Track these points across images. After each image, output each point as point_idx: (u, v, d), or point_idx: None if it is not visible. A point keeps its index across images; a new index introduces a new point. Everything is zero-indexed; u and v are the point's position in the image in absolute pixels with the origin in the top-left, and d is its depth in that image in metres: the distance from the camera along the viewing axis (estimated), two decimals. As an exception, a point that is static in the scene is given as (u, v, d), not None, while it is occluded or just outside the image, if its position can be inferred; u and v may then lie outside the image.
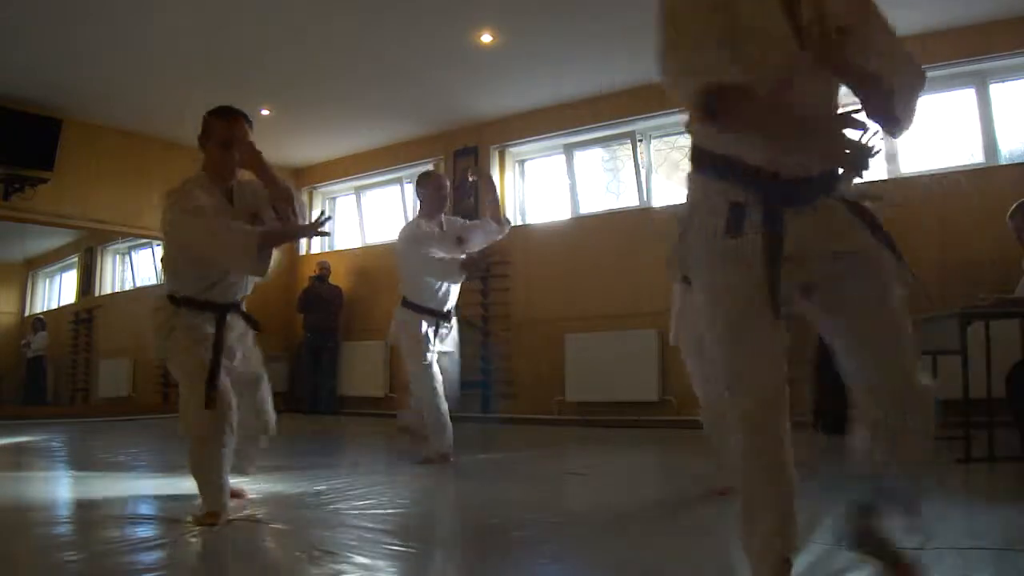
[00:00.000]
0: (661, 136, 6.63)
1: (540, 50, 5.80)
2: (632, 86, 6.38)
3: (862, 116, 1.28)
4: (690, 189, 1.50)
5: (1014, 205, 3.99)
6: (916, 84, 1.47)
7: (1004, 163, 5.29)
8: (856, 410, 1.53)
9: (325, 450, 5.03)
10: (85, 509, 2.86)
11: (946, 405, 4.59)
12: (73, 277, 8.91)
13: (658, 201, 6.58)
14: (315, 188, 9.07)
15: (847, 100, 1.45)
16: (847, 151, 1.25)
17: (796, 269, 1.39)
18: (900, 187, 5.25)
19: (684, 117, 1.50)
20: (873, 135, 1.27)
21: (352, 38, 5.59)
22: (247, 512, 2.62)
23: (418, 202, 4.22)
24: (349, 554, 2.05)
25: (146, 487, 3.18)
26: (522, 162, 7.62)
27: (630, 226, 6.38)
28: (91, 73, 6.05)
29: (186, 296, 2.58)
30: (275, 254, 2.52)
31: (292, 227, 2.61)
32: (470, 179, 4.33)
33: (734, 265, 1.38)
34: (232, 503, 2.54)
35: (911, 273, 1.50)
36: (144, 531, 2.39)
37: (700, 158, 1.46)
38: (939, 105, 5.49)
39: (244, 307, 2.75)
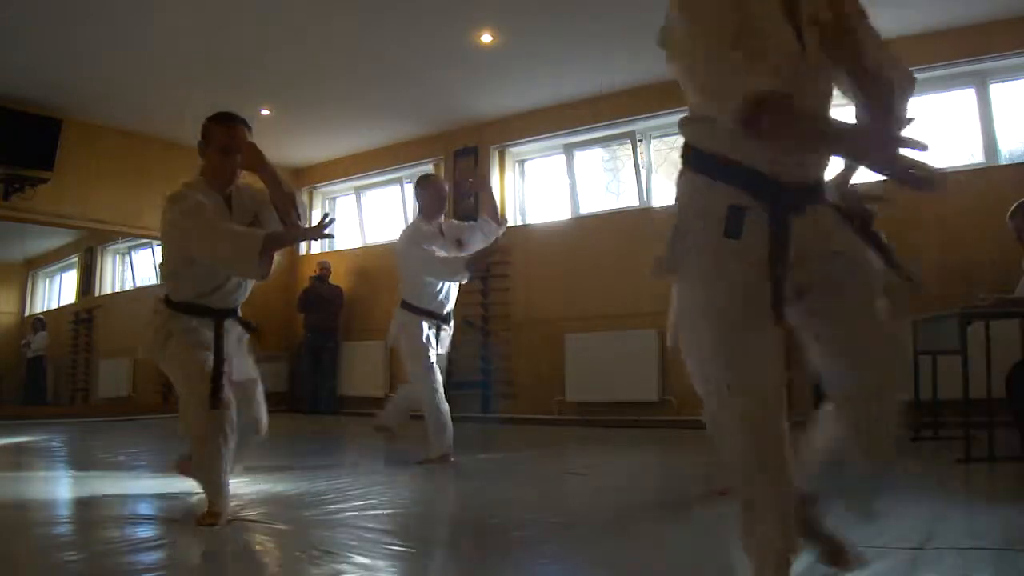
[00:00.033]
0: (661, 136, 6.63)
1: (540, 50, 5.80)
2: (632, 86, 6.39)
3: (913, 133, 1.22)
4: (682, 188, 1.48)
5: (1014, 205, 3.99)
6: (908, 85, 1.47)
7: (1004, 163, 5.29)
8: (829, 407, 1.54)
9: (325, 450, 5.03)
10: (85, 509, 2.86)
11: (946, 405, 4.61)
12: (73, 277, 8.91)
13: (658, 201, 6.58)
14: (315, 188, 9.07)
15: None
16: (911, 171, 1.20)
17: (796, 270, 1.40)
18: (900, 187, 5.24)
19: (682, 116, 1.50)
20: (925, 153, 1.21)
21: (352, 38, 5.59)
22: (247, 512, 2.62)
23: (417, 205, 4.24)
24: (349, 554, 2.05)
25: (146, 487, 3.18)
26: (522, 162, 7.62)
27: (630, 226, 6.38)
28: (91, 73, 6.05)
29: (184, 301, 2.58)
30: (275, 256, 2.52)
31: (295, 230, 2.60)
32: (469, 181, 4.36)
33: (734, 266, 1.38)
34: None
35: (908, 273, 1.51)
36: (144, 531, 2.39)
37: (696, 158, 1.46)
38: (939, 105, 5.49)
39: (240, 312, 2.75)
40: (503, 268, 7.03)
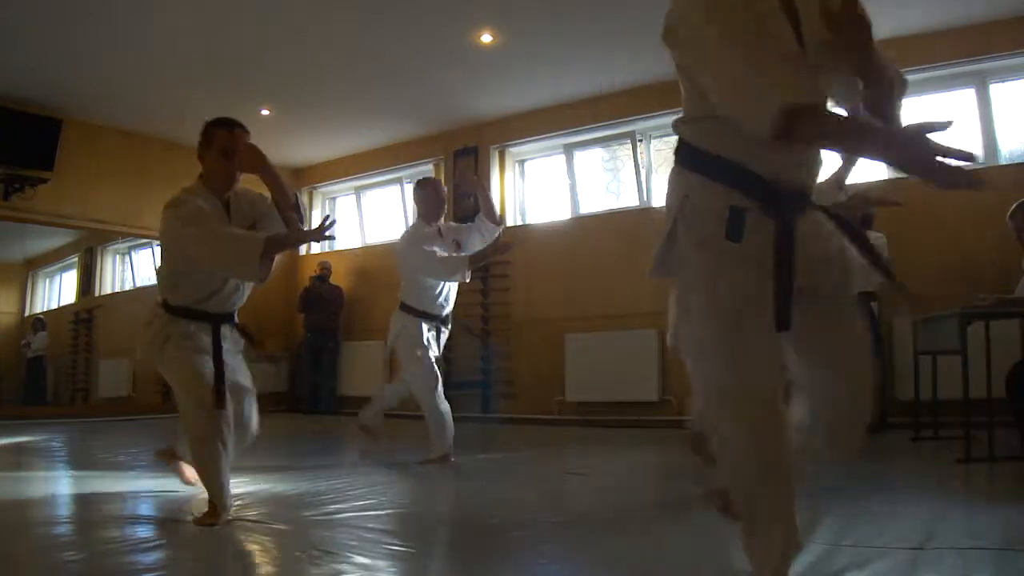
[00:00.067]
0: (661, 136, 6.64)
1: (540, 50, 5.80)
2: (632, 86, 6.39)
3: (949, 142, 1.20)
4: (678, 187, 1.47)
5: (1014, 205, 4.00)
6: (904, 87, 1.48)
7: (1004, 163, 5.29)
8: (800, 405, 1.56)
9: (325, 450, 5.03)
10: (85, 509, 2.86)
11: (946, 405, 4.61)
12: (73, 277, 8.91)
13: (658, 201, 6.57)
14: (315, 188, 9.07)
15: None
16: (954, 176, 1.19)
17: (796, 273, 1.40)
18: (900, 187, 5.24)
19: (678, 115, 1.50)
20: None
21: (352, 38, 5.59)
22: (247, 512, 2.62)
23: (416, 208, 4.25)
24: (349, 554, 2.05)
25: (146, 487, 3.18)
26: (522, 162, 7.62)
27: (630, 226, 6.38)
28: (91, 73, 6.05)
29: (182, 305, 2.58)
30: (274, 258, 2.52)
31: (296, 233, 2.60)
32: (474, 176, 4.37)
33: (734, 267, 1.38)
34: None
35: (895, 278, 1.53)
36: (144, 531, 2.39)
37: (693, 157, 1.45)
38: (939, 105, 5.49)
39: (237, 318, 2.76)
40: (503, 268, 7.03)
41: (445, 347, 4.40)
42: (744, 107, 1.28)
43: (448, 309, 4.14)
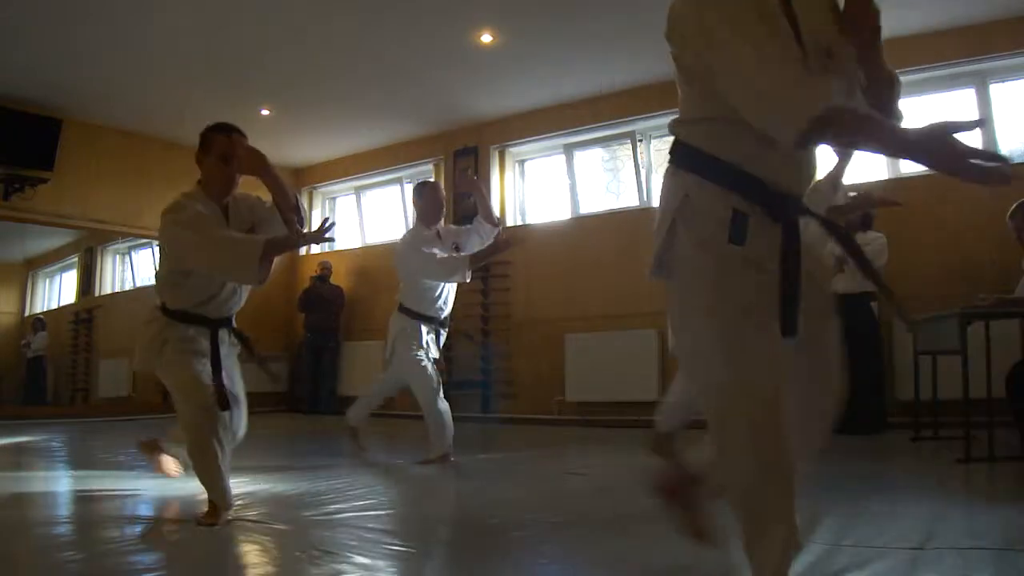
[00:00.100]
0: (661, 136, 6.63)
1: (540, 50, 5.80)
2: (632, 86, 6.39)
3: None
4: (675, 188, 1.46)
5: (1014, 205, 4.00)
6: (899, 87, 1.49)
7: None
8: None
9: (325, 450, 5.02)
10: (85, 509, 2.86)
11: (946, 405, 4.61)
12: (73, 277, 8.91)
13: (658, 201, 6.57)
14: (315, 188, 9.07)
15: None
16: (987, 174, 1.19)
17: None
18: (900, 187, 5.25)
19: (675, 116, 1.50)
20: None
21: (352, 38, 5.59)
22: (247, 512, 2.62)
23: (416, 211, 4.27)
24: (349, 554, 2.05)
25: (146, 487, 3.18)
26: (522, 162, 7.62)
27: (630, 226, 6.38)
28: (91, 73, 6.05)
29: (180, 309, 2.59)
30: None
31: (295, 236, 2.60)
32: (473, 177, 4.38)
33: (736, 269, 1.38)
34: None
35: (883, 285, 1.54)
36: (144, 531, 2.39)
37: (691, 158, 1.45)
38: (939, 105, 5.49)
39: (235, 322, 2.77)
40: (503, 268, 7.03)
41: (445, 347, 4.41)
42: (774, 113, 1.26)
43: (447, 312, 4.17)
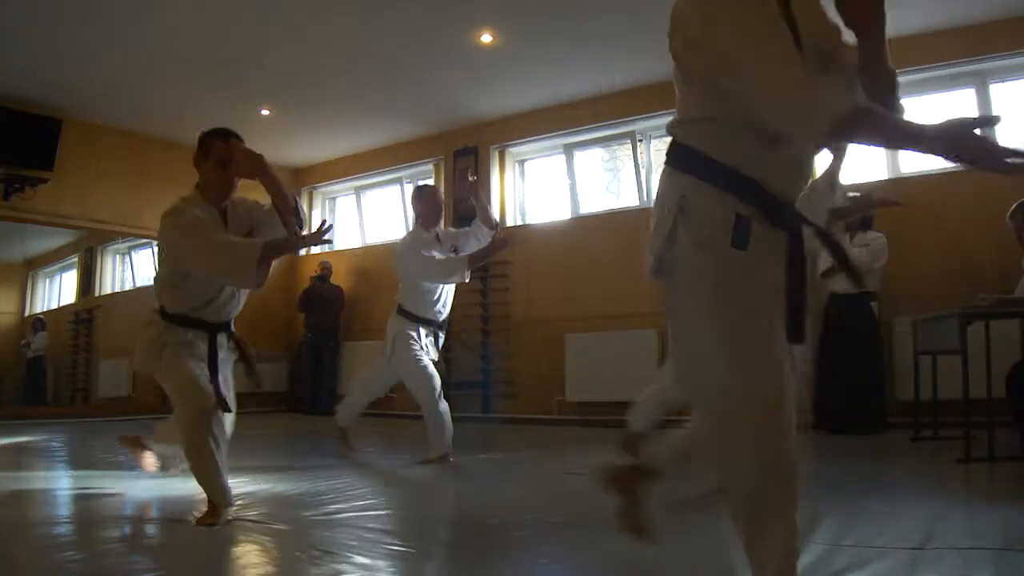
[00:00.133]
0: (661, 136, 6.63)
1: (540, 50, 5.80)
2: (632, 86, 6.39)
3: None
4: (673, 188, 1.46)
5: (1014, 205, 4.00)
6: (898, 84, 1.49)
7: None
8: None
9: (325, 450, 5.02)
10: (85, 509, 2.86)
11: (946, 405, 4.61)
12: (73, 277, 8.91)
13: (658, 201, 6.57)
14: (315, 188, 9.07)
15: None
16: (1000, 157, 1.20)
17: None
18: (900, 187, 5.25)
19: (673, 117, 1.50)
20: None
21: (352, 38, 5.59)
22: (247, 512, 2.62)
23: (415, 214, 4.28)
24: (349, 554, 2.05)
25: (146, 487, 3.18)
26: (522, 162, 7.62)
27: (630, 226, 6.36)
28: (91, 73, 6.05)
29: (179, 313, 2.60)
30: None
31: (293, 239, 2.61)
32: (470, 179, 4.39)
33: (737, 271, 1.38)
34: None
35: (864, 287, 1.55)
36: (144, 531, 2.39)
37: (690, 159, 1.44)
38: (939, 105, 5.49)
39: (234, 327, 2.78)
40: (503, 268, 7.03)
41: (444, 347, 4.42)
42: (795, 116, 1.26)
43: (445, 314, 4.20)
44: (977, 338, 3.57)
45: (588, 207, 7.13)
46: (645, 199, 6.71)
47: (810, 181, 1.53)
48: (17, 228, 7.41)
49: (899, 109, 1.45)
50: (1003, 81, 5.32)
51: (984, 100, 5.36)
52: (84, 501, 3.00)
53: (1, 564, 2.06)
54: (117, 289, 8.82)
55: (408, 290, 4.11)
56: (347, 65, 6.08)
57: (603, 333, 6.41)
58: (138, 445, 3.19)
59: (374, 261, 8.08)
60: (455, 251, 4.15)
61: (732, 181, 1.39)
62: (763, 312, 1.37)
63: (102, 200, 7.26)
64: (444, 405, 4.00)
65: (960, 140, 1.15)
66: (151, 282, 2.82)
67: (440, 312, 4.15)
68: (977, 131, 1.15)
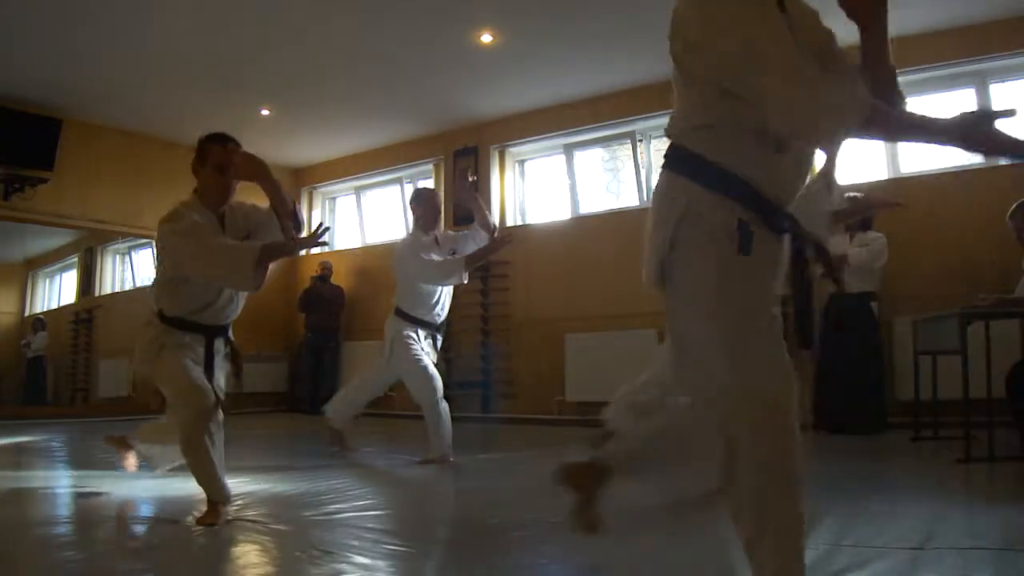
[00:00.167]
0: (661, 136, 6.58)
1: (540, 50, 5.80)
2: (632, 86, 6.39)
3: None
4: (674, 192, 1.46)
5: (1014, 205, 4.00)
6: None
7: (1004, 163, 5.29)
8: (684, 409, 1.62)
9: (325, 450, 5.02)
10: (85, 509, 2.86)
11: (946, 405, 4.61)
12: (73, 277, 8.91)
13: (658, 201, 6.57)
14: (315, 188, 9.07)
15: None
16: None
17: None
18: (900, 187, 5.25)
19: (672, 121, 1.50)
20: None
21: (352, 38, 5.59)
22: (247, 512, 2.62)
23: (413, 217, 4.29)
24: (349, 554, 2.05)
25: (146, 487, 3.18)
26: (522, 162, 7.62)
27: (630, 226, 6.33)
28: (91, 73, 6.05)
29: (177, 316, 2.62)
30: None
31: (291, 242, 2.63)
32: (470, 179, 4.41)
33: (738, 273, 1.38)
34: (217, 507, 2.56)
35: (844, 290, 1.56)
36: (144, 531, 2.39)
37: (691, 163, 1.44)
38: (939, 105, 5.49)
39: (231, 332, 2.80)
40: (503, 268, 7.03)
41: (444, 347, 4.43)
42: (800, 116, 1.27)
43: (443, 317, 4.22)
44: (977, 338, 3.57)
45: (588, 207, 7.13)
46: (645, 199, 6.71)
47: (807, 179, 1.53)
48: (17, 228, 7.41)
49: (902, 102, 1.46)
50: (1003, 81, 5.32)
51: (984, 100, 5.36)
52: (84, 501, 3.00)
53: (1, 564, 2.06)
54: (117, 289, 8.82)
55: (406, 292, 4.13)
56: (347, 65, 6.07)
57: (603, 333, 6.41)
58: (124, 445, 3.22)
59: (374, 261, 8.07)
60: (454, 254, 4.17)
61: (731, 185, 1.39)
62: (763, 313, 1.37)
63: (102, 200, 7.25)
64: (444, 405, 4.01)
65: (975, 130, 1.17)
66: (151, 282, 2.83)
67: (438, 315, 4.17)
68: (993, 123, 1.17)
